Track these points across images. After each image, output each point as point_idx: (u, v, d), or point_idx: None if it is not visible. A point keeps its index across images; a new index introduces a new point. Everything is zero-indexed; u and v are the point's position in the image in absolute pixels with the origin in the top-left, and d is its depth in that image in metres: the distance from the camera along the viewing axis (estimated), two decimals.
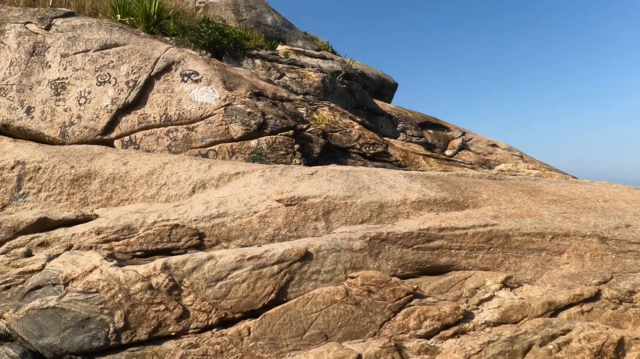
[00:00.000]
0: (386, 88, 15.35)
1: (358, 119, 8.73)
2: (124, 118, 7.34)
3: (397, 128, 12.34)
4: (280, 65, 11.55)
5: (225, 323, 4.12)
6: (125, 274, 3.97)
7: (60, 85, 7.36)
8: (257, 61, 11.46)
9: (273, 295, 4.18)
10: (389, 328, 4.14)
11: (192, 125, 7.30)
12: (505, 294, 4.43)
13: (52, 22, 7.97)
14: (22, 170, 5.61)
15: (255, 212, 5.07)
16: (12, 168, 5.60)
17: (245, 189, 5.49)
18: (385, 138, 9.00)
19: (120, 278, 3.95)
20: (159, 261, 4.08)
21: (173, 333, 3.98)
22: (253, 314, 4.15)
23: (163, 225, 4.84)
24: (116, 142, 7.32)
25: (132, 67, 7.49)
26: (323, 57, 12.79)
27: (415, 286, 4.29)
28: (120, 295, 3.93)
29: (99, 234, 4.74)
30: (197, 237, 4.85)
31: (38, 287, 4.01)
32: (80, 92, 7.34)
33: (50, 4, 9.37)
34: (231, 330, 4.01)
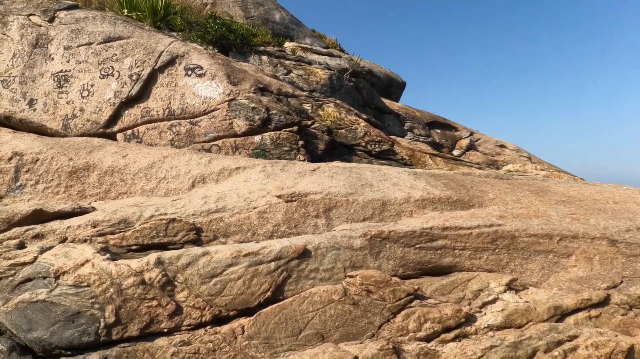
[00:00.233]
0: (394, 87, 15.18)
1: (364, 116, 8.59)
2: (126, 111, 7.26)
3: (405, 127, 12.18)
4: (287, 62, 11.44)
5: (219, 320, 4.01)
6: (117, 268, 3.87)
7: (63, 78, 7.30)
8: (264, 57, 11.36)
9: (269, 293, 4.07)
10: (388, 329, 4.00)
11: (196, 119, 7.21)
12: (509, 297, 4.28)
13: (55, 14, 7.91)
14: (20, 162, 5.54)
15: (254, 208, 4.96)
16: (10, 159, 5.54)
17: (246, 184, 5.38)
18: (391, 137, 8.85)
19: (112, 273, 3.86)
20: (152, 256, 3.98)
21: (165, 330, 3.88)
22: (248, 312, 4.04)
23: (160, 219, 4.75)
24: (119, 136, 7.25)
25: (135, 60, 7.42)
26: (331, 55, 12.66)
27: (416, 287, 4.16)
28: (111, 290, 3.83)
29: (94, 227, 4.66)
30: (194, 232, 4.75)
31: (28, 280, 3.92)
32: (83, 84, 7.28)
33: None
34: (225, 328, 3.90)
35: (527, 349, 3.78)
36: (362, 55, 14.07)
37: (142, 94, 7.33)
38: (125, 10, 9.70)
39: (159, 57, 7.48)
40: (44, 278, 3.88)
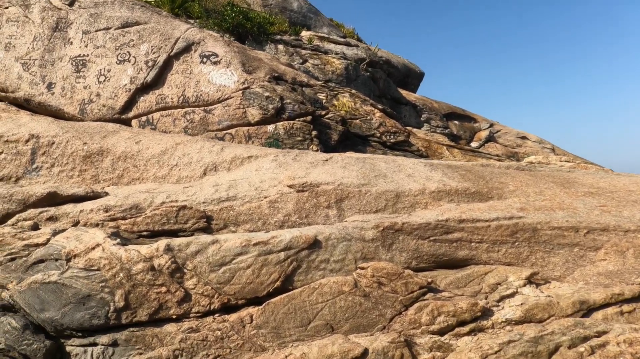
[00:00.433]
0: (412, 78, 14.95)
1: (379, 106, 8.44)
2: (142, 98, 7.26)
3: (422, 119, 11.99)
4: (304, 51, 11.32)
5: (227, 309, 3.97)
6: (127, 253, 3.86)
7: (81, 62, 7.33)
8: (280, 46, 11.26)
9: (278, 283, 4.01)
10: (400, 322, 3.92)
11: (210, 107, 7.17)
12: (529, 291, 4.14)
13: None
14: (37, 144, 5.57)
15: (265, 197, 4.91)
16: (27, 141, 5.58)
17: (257, 173, 5.33)
18: (407, 128, 8.70)
19: (122, 257, 3.85)
20: (162, 242, 3.95)
21: (174, 316, 3.86)
22: (257, 301, 3.99)
23: (171, 206, 4.73)
24: (134, 122, 7.26)
25: (152, 46, 7.39)
26: (348, 44, 12.49)
27: (430, 280, 4.05)
28: (121, 274, 3.82)
29: (106, 212, 4.66)
30: (205, 220, 4.72)
31: (41, 261, 3.95)
32: (100, 69, 7.30)
33: None
34: (233, 316, 3.86)
35: (548, 344, 3.63)
36: (381, 44, 13.87)
37: (158, 81, 7.31)
38: None
39: (175, 44, 7.44)
40: (56, 260, 3.90)
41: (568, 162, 9.06)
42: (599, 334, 3.69)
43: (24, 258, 4.03)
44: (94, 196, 4.92)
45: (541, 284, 4.27)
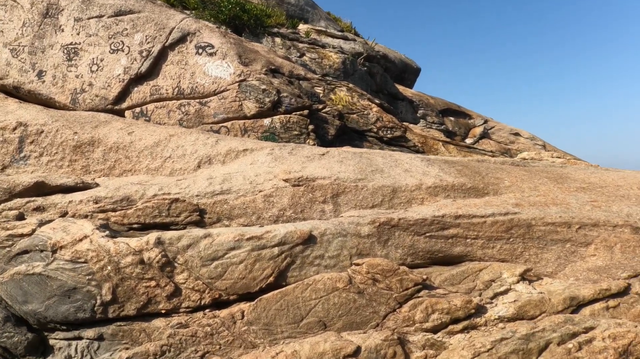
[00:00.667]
0: (408, 73, 14.87)
1: (377, 101, 8.36)
2: (135, 88, 7.13)
3: (418, 115, 11.93)
4: (301, 45, 11.20)
5: (218, 304, 3.90)
6: (116, 246, 3.76)
7: (73, 51, 7.18)
8: (277, 39, 11.13)
9: (271, 279, 3.94)
10: (393, 319, 3.86)
11: (205, 99, 7.06)
12: (523, 287, 4.11)
13: None
14: (25, 132, 5.44)
15: (260, 191, 4.82)
16: (14, 129, 5.45)
17: (252, 167, 5.24)
18: (404, 123, 8.63)
19: (111, 250, 3.75)
20: (152, 236, 3.86)
21: (163, 311, 3.78)
22: (249, 297, 3.92)
23: (163, 199, 4.63)
24: (127, 113, 7.14)
25: (146, 36, 7.26)
26: (345, 38, 12.38)
27: (425, 277, 3.99)
28: (109, 267, 3.73)
29: (96, 203, 4.56)
30: (198, 213, 4.63)
31: (25, 252, 3.84)
32: (93, 58, 7.16)
33: None
34: (224, 312, 3.78)
35: (539, 341, 3.61)
36: (378, 39, 13.76)
37: (152, 71, 7.18)
38: None
39: (169, 34, 7.31)
40: (41, 251, 3.79)
41: (559, 158, 9.05)
42: (587, 330, 3.69)
43: (7, 249, 3.92)
44: (84, 187, 4.81)
45: (534, 280, 4.25)
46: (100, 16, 7.34)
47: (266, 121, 6.96)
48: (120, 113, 7.04)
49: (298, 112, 7.07)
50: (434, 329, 3.82)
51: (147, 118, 6.99)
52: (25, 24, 7.32)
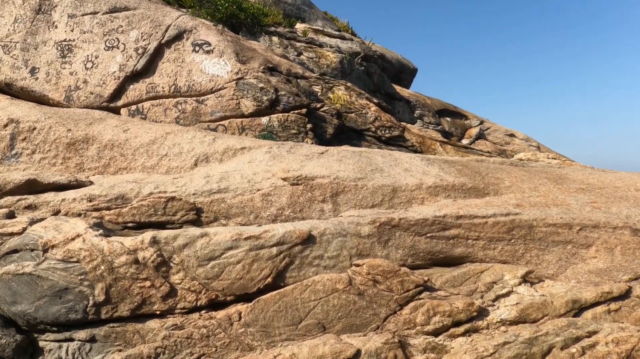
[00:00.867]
0: (405, 73, 14.83)
1: (375, 100, 8.29)
2: (131, 86, 7.02)
3: (415, 115, 11.88)
4: (298, 44, 11.12)
5: (215, 305, 3.80)
6: (109, 245, 3.65)
7: (67, 47, 7.06)
8: (275, 38, 11.05)
9: (269, 279, 3.84)
10: (394, 322, 3.77)
11: (202, 98, 6.97)
12: (525, 290, 4.04)
13: None
14: (16, 129, 5.32)
15: (258, 190, 4.73)
16: (5, 126, 5.32)
17: (250, 165, 5.15)
18: (402, 123, 8.56)
19: (104, 249, 3.64)
20: (147, 235, 3.75)
21: (158, 312, 3.67)
22: (246, 298, 3.82)
23: (159, 197, 4.53)
24: (123, 111, 7.03)
25: (142, 33, 7.15)
26: (342, 38, 12.32)
27: (426, 278, 3.91)
28: (102, 267, 3.62)
29: (90, 201, 4.45)
30: (194, 212, 4.53)
31: (15, 251, 3.72)
32: (87, 56, 7.04)
33: None
34: (221, 313, 3.69)
35: (542, 346, 3.55)
36: (374, 39, 13.72)
37: (148, 69, 7.08)
38: None
39: (166, 31, 7.21)
40: (32, 250, 3.68)
41: (555, 159, 9.05)
42: (590, 334, 3.64)
43: None
44: (78, 185, 4.70)
45: (535, 283, 4.19)
46: (95, 13, 7.23)
47: (264, 120, 6.87)
48: (116, 111, 6.94)
49: (296, 111, 6.99)
50: (436, 333, 3.75)
51: (143, 116, 6.89)
52: (17, 20, 7.19)
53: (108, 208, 4.41)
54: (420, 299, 3.83)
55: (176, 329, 3.61)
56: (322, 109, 7.50)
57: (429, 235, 4.29)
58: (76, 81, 6.94)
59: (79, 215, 4.30)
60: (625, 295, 3.97)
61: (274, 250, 3.89)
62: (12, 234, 3.77)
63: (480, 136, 12.96)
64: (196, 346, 3.65)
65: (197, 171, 5.19)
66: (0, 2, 7.35)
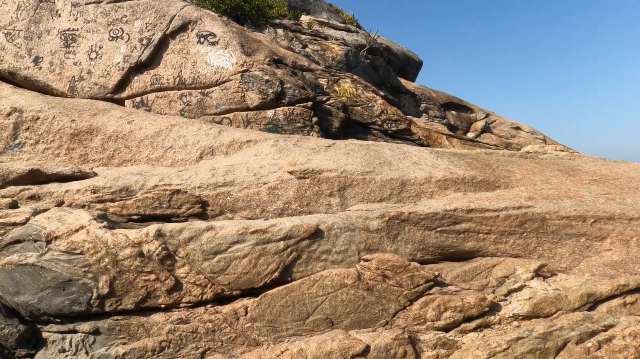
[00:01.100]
0: (410, 66, 14.71)
1: (381, 93, 8.19)
2: (136, 77, 6.94)
3: (420, 108, 11.77)
4: (303, 37, 11.02)
5: (221, 299, 3.73)
6: (114, 237, 3.59)
7: (71, 37, 6.97)
8: (280, 30, 10.94)
9: (276, 274, 3.77)
10: (404, 317, 3.70)
11: (207, 90, 6.88)
12: (537, 284, 3.96)
13: None
14: (19, 119, 5.25)
15: (264, 183, 4.65)
16: (8, 114, 5.25)
17: (256, 158, 5.07)
18: (408, 116, 8.47)
19: (108, 242, 3.58)
20: (152, 227, 3.69)
21: (163, 305, 3.61)
22: (252, 293, 3.76)
23: (164, 190, 4.46)
24: (127, 102, 6.95)
25: (146, 23, 7.06)
26: (347, 30, 12.20)
27: (436, 273, 3.83)
28: (106, 260, 3.55)
29: (94, 193, 4.39)
30: (200, 205, 4.46)
31: (18, 241, 3.66)
32: (91, 46, 6.95)
33: None
34: (227, 308, 3.62)
35: (557, 340, 3.46)
36: (379, 32, 13.57)
37: (152, 60, 6.99)
38: None
39: (170, 21, 7.11)
40: (35, 241, 3.62)
41: (562, 151, 8.94)
42: (606, 328, 3.56)
43: None
44: (82, 176, 4.63)
45: (548, 276, 4.10)
46: (99, 2, 7.13)
47: (269, 113, 6.78)
48: (120, 103, 6.86)
49: (302, 104, 6.90)
50: (446, 328, 3.67)
51: (147, 108, 6.81)
52: (20, 8, 7.10)
53: (112, 200, 4.34)
54: (430, 294, 3.75)
55: (181, 323, 3.55)
56: (328, 102, 7.40)
57: (439, 229, 4.20)
58: (80, 71, 6.86)
59: (83, 206, 4.23)
60: None
61: (281, 244, 3.82)
62: (15, 224, 3.72)
63: (486, 129, 12.87)
64: (201, 341, 3.59)
65: (203, 164, 5.12)
66: None
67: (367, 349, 3.43)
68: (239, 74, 6.84)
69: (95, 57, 6.90)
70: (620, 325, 3.53)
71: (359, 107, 7.81)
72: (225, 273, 3.71)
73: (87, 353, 3.53)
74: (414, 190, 4.65)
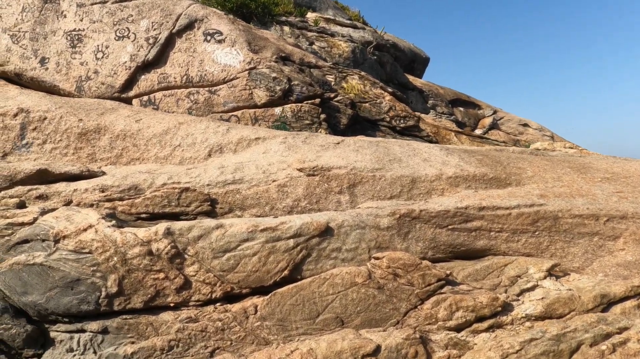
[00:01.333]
0: (417, 63, 14.61)
1: (389, 89, 8.12)
2: (143, 76, 6.92)
3: (428, 105, 11.68)
4: (310, 34, 10.96)
5: (230, 298, 3.70)
6: (123, 236, 3.56)
7: (77, 37, 6.97)
8: (286, 28, 10.90)
9: (286, 272, 3.73)
10: (415, 317, 3.65)
11: (215, 88, 6.85)
12: (550, 284, 3.89)
13: None
14: (26, 119, 5.24)
15: (273, 181, 4.61)
16: (15, 115, 5.24)
17: (265, 156, 5.03)
18: (416, 113, 8.39)
19: (117, 241, 3.55)
20: (161, 226, 3.66)
21: (172, 304, 3.59)
22: (262, 291, 3.72)
23: (172, 188, 4.43)
24: (134, 101, 6.94)
25: (152, 22, 7.04)
26: (354, 27, 12.13)
27: (448, 272, 3.78)
28: (115, 258, 3.53)
29: (102, 192, 4.37)
30: (209, 203, 4.43)
31: (26, 241, 3.64)
32: (98, 45, 6.94)
33: None
34: (236, 306, 3.59)
35: (570, 342, 3.40)
36: (386, 28, 13.48)
37: (159, 59, 6.97)
38: None
39: (176, 20, 7.09)
40: (43, 240, 3.60)
41: (572, 148, 8.84)
42: (620, 330, 3.48)
43: (7, 238, 3.71)
44: (90, 175, 4.61)
45: (560, 276, 4.03)
46: (104, 2, 7.12)
47: (277, 110, 6.74)
48: (128, 102, 6.85)
49: (309, 101, 6.85)
50: (458, 328, 3.61)
51: (155, 107, 6.80)
52: (25, 9, 7.11)
53: (121, 199, 4.32)
54: (442, 293, 3.70)
55: (190, 322, 3.52)
56: (335, 99, 7.35)
57: (450, 227, 4.14)
58: (87, 71, 6.85)
59: (91, 205, 4.22)
60: None
61: (291, 242, 3.78)
62: (22, 224, 3.70)
63: (494, 126, 12.77)
64: (211, 340, 3.56)
65: (211, 162, 5.09)
66: None
67: (377, 349, 3.38)
68: (246, 72, 6.80)
69: (102, 57, 6.89)
70: (635, 328, 3.46)
71: (367, 104, 7.75)
72: (234, 271, 3.67)
73: (95, 352, 3.51)
74: (425, 187, 4.59)
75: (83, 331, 3.56)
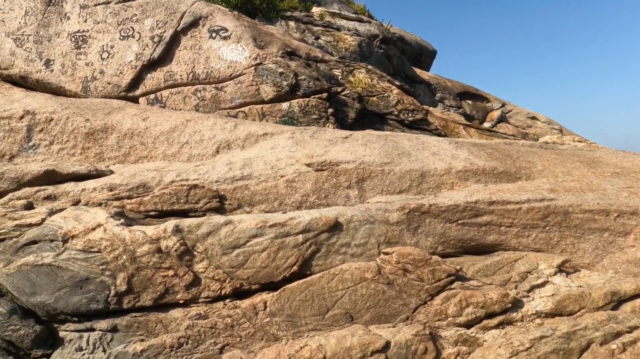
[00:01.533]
0: (424, 56, 14.48)
1: (397, 83, 8.05)
2: (149, 75, 6.93)
3: (435, 98, 11.58)
4: (315, 28, 10.90)
5: (239, 294, 3.70)
6: (131, 234, 3.57)
7: (81, 38, 6.99)
8: (291, 23, 10.85)
9: (295, 267, 3.72)
10: (424, 313, 3.62)
11: (221, 84, 6.84)
12: (561, 280, 3.84)
13: None
14: (32, 121, 5.26)
15: (282, 176, 4.60)
16: (21, 117, 5.26)
17: (273, 151, 5.01)
18: (424, 106, 8.32)
19: (126, 239, 3.56)
20: (170, 223, 3.66)
21: (181, 301, 3.59)
22: (271, 287, 3.71)
23: (181, 185, 4.43)
24: (141, 100, 6.95)
25: (156, 21, 7.03)
26: (360, 20, 12.03)
27: (458, 267, 3.74)
28: (124, 257, 3.54)
29: (111, 191, 4.38)
30: (217, 200, 4.42)
31: (34, 242, 3.66)
32: (103, 46, 6.96)
33: None
34: (246, 302, 3.58)
35: (581, 341, 3.36)
36: (392, 22, 13.37)
37: (165, 57, 6.97)
38: None
39: (181, 18, 7.08)
40: (51, 241, 3.61)
41: (581, 142, 8.72)
42: (631, 329, 3.44)
43: (15, 239, 3.72)
44: (98, 174, 4.63)
45: (571, 272, 3.98)
46: (108, 2, 7.13)
47: (284, 105, 6.72)
48: (134, 101, 6.87)
49: (317, 96, 6.82)
50: (468, 324, 3.59)
51: (162, 105, 6.80)
52: (28, 13, 7.14)
53: (129, 197, 4.33)
54: (452, 289, 3.66)
55: (200, 318, 3.53)
56: (343, 93, 7.31)
57: (460, 221, 4.10)
58: (92, 72, 6.87)
59: (100, 204, 4.23)
60: None
61: (300, 237, 3.77)
62: (30, 225, 3.72)
63: (502, 119, 12.64)
64: (220, 336, 3.56)
65: (219, 158, 5.08)
66: None
67: (387, 345, 3.37)
68: (253, 67, 6.79)
69: (107, 57, 6.90)
70: None
71: (374, 97, 7.69)
72: (244, 267, 3.67)
73: (104, 350, 3.53)
74: (434, 182, 4.55)
75: (92, 329, 3.58)
